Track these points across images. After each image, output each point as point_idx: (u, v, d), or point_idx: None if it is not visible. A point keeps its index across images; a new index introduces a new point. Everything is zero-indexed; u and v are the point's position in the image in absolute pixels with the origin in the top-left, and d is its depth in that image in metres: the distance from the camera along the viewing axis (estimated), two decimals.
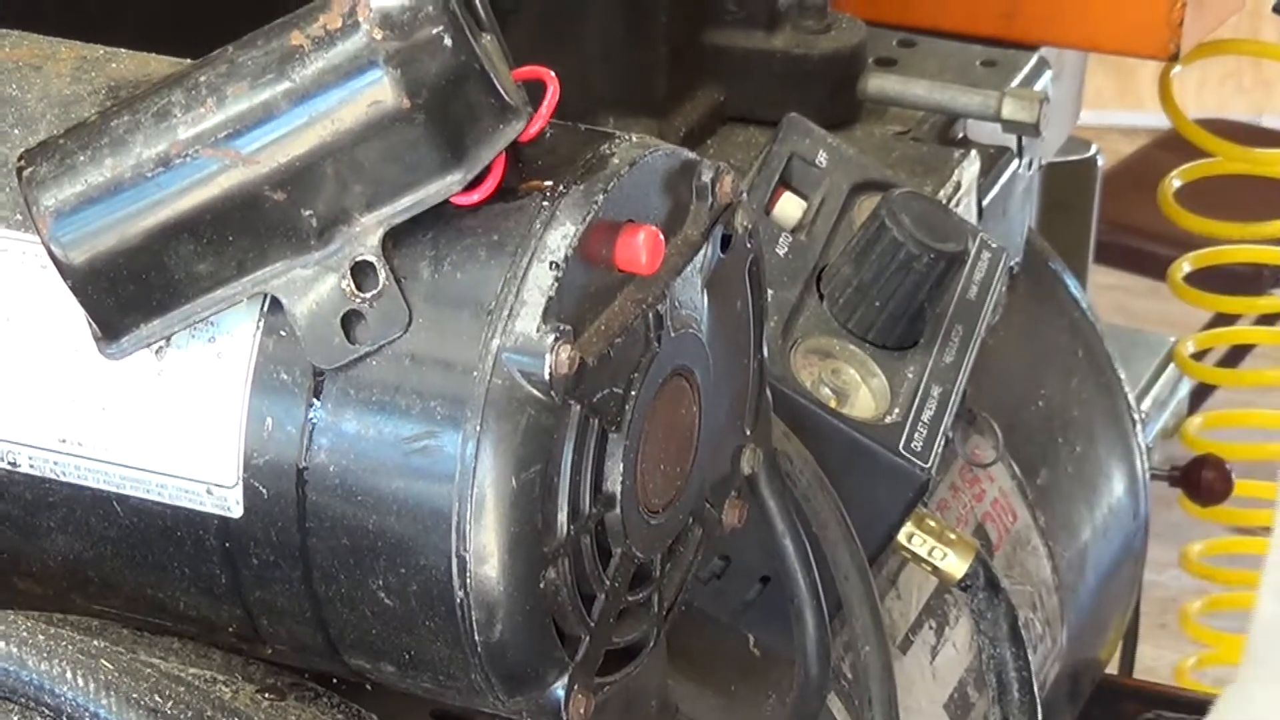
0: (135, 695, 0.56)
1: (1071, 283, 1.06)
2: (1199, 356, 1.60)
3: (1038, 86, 0.94)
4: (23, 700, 0.56)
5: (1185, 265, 1.39)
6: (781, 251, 0.76)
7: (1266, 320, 2.10)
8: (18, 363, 0.60)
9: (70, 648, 0.57)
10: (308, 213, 0.56)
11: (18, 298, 0.60)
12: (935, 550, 0.75)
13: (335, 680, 0.62)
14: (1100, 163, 1.10)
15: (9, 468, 0.61)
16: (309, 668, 0.62)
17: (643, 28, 0.82)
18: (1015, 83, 0.93)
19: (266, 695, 0.59)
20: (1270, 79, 1.36)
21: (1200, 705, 1.05)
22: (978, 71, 0.94)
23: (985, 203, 0.91)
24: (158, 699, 0.56)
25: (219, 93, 0.56)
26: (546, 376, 0.55)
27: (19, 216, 0.59)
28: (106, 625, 0.60)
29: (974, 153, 0.91)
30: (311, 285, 0.57)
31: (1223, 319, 1.92)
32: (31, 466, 0.61)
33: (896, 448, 0.75)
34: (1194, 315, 1.57)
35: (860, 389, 0.75)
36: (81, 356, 0.59)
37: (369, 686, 0.62)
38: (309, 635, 0.61)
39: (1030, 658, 0.80)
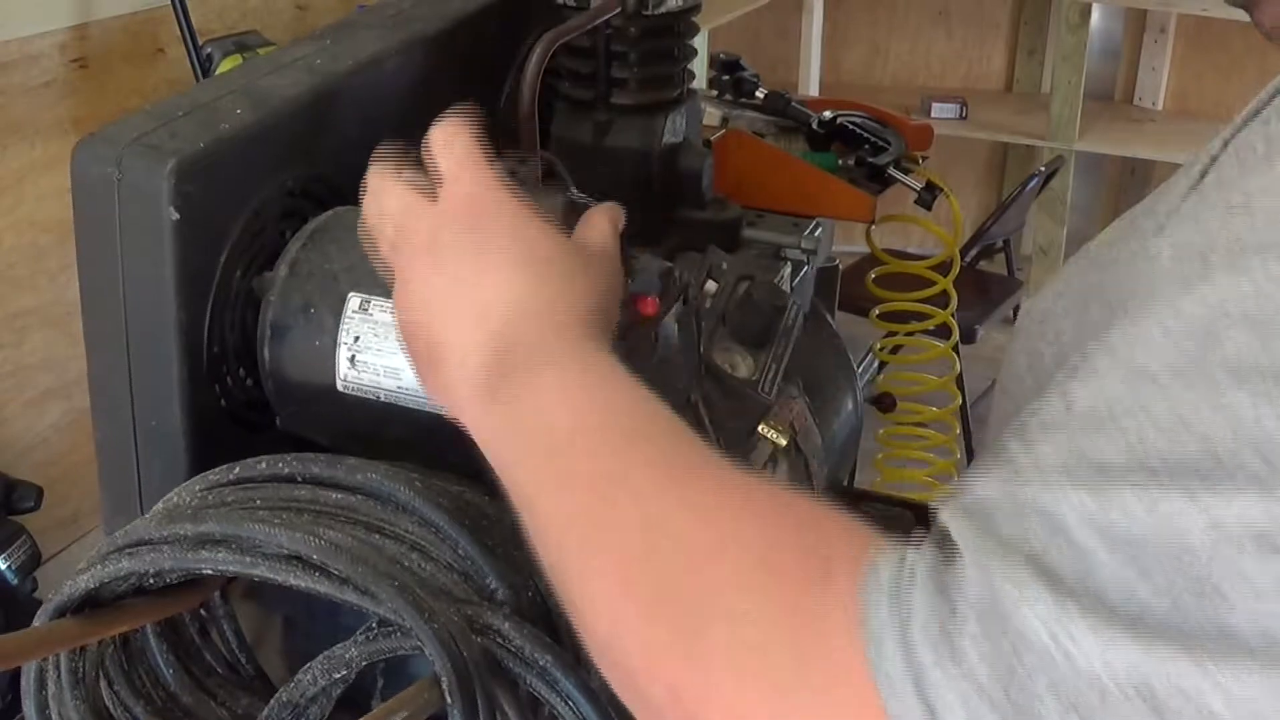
0: (429, 495, 0.59)
1: (828, 318, 1.07)
2: (882, 349, 1.67)
3: (816, 234, 0.96)
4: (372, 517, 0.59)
5: (876, 310, 1.46)
6: (708, 305, 0.78)
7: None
8: (391, 353, 0.64)
9: (398, 472, 0.60)
10: None
11: (386, 330, 0.64)
12: (772, 433, 0.76)
13: None
14: (840, 266, 1.13)
15: (375, 398, 0.65)
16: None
17: (650, 211, 0.83)
18: (806, 232, 0.95)
19: (487, 496, 0.62)
20: (917, 231, 1.43)
21: (883, 498, 1.05)
22: (790, 227, 0.96)
23: (794, 284, 0.94)
24: (438, 498, 0.59)
25: None
26: None
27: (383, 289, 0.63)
28: (411, 465, 0.63)
29: (789, 262, 0.94)
30: None
31: (890, 334, 1.94)
32: (384, 397, 0.65)
33: (757, 390, 0.77)
34: (878, 333, 1.61)
35: (741, 365, 0.77)
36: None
37: None
38: None
39: (813, 481, 0.83)
